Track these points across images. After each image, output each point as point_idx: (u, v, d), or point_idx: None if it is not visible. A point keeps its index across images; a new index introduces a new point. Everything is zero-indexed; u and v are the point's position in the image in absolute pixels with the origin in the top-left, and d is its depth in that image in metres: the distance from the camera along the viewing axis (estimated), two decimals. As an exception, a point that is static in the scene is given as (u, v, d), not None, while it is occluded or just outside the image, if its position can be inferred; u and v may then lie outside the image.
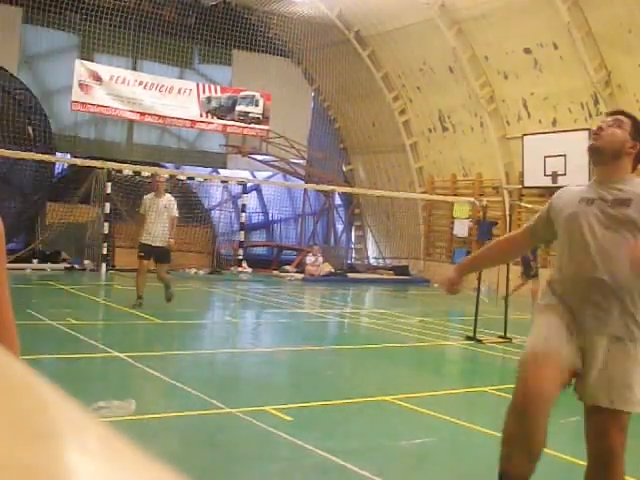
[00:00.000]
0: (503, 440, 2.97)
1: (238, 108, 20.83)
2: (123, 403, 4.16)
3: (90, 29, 19.18)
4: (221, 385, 6.50)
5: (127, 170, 16.68)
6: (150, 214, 10.85)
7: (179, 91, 20.08)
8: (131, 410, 4.14)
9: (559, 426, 5.65)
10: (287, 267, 20.67)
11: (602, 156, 3.12)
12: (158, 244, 10.79)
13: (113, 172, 17.12)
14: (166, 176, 10.95)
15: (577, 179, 17.54)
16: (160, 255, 10.85)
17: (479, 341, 9.55)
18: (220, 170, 22.02)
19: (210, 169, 21.99)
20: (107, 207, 17.54)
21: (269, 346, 9.14)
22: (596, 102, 16.77)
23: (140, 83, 19.54)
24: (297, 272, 19.88)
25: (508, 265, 11.11)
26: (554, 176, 17.56)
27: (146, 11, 19.73)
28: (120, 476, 0.34)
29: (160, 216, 10.83)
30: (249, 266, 20.20)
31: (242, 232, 20.56)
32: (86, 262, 17.81)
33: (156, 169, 17.96)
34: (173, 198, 11.27)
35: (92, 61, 19.34)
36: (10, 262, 12.71)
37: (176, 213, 11.08)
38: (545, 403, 2.89)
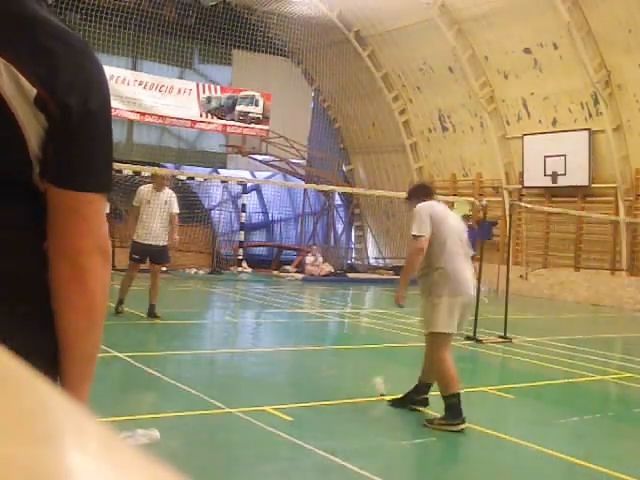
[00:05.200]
0: None
1: (238, 108, 20.82)
2: (147, 431, 4.33)
3: (90, 29, 19.16)
4: (221, 385, 6.50)
5: (127, 170, 16.65)
6: (147, 208, 9.69)
7: (179, 91, 20.07)
8: (155, 438, 4.26)
9: (559, 426, 5.65)
10: (287, 267, 20.66)
11: None
12: (156, 242, 9.64)
13: (113, 172, 17.08)
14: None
15: (577, 179, 17.58)
16: (158, 255, 9.75)
17: (479, 341, 9.55)
18: (220, 170, 22.00)
19: (210, 169, 21.97)
20: (107, 207, 17.52)
21: (269, 346, 9.14)
22: (596, 102, 16.77)
23: (140, 83, 19.52)
24: (297, 272, 19.87)
25: (508, 265, 11.15)
26: (554, 176, 17.54)
27: (146, 11, 19.73)
28: (120, 476, 0.34)
29: (159, 212, 9.76)
30: (249, 266, 20.19)
31: (242, 232, 20.55)
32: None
33: (156, 169, 17.99)
34: (174, 193, 10.17)
35: (92, 61, 19.32)
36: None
37: (177, 209, 9.95)
38: None
